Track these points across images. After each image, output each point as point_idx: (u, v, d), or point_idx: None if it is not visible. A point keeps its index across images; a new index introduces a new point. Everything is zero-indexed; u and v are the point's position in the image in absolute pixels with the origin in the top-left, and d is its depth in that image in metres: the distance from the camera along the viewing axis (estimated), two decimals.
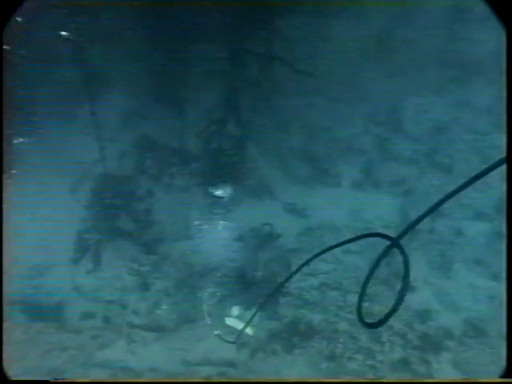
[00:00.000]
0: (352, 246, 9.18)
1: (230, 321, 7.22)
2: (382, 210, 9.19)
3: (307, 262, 3.03)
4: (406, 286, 1.90)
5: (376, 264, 2.11)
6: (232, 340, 6.65)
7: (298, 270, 3.17)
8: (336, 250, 8.83)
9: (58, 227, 8.46)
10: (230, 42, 8.77)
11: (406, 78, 9.63)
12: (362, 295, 2.22)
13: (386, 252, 2.06)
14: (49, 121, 9.86)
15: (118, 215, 9.29)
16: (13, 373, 6.88)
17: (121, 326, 7.80)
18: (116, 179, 9.79)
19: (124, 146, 10.16)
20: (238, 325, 7.06)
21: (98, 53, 9.64)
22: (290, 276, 3.30)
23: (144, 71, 9.83)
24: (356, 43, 9.76)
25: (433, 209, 1.90)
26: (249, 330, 7.01)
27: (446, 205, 6.43)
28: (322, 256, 8.95)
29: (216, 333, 7.10)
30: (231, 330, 7.12)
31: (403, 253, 1.99)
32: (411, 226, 1.96)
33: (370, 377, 7.59)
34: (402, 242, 2.12)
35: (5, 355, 5.81)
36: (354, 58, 9.79)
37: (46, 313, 7.92)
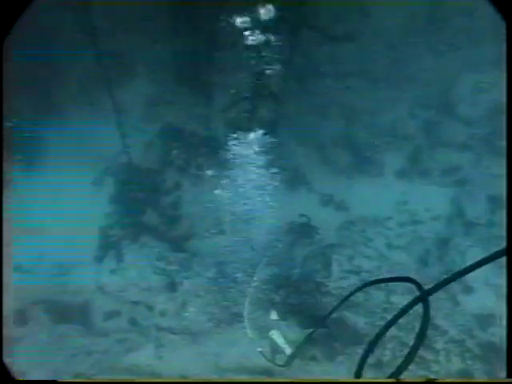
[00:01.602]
0: (397, 240, 8.34)
1: (275, 335, 6.50)
2: (431, 202, 8.25)
3: (349, 297, 2.73)
4: (419, 344, 1.68)
5: (399, 315, 1.85)
6: (281, 363, 6.04)
7: (342, 302, 2.89)
8: (380, 244, 7.87)
9: (81, 223, 8.00)
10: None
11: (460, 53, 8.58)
12: (372, 344, 1.91)
13: (412, 304, 1.81)
14: (71, 111, 9.43)
15: (143, 210, 8.74)
16: (36, 376, 6.51)
17: (148, 329, 7.26)
18: (141, 171, 9.25)
19: (149, 135, 9.58)
20: (282, 342, 6.38)
21: (120, 37, 9.07)
22: (338, 306, 2.99)
23: (167, 55, 9.17)
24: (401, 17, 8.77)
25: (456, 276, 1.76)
26: (287, 348, 6.32)
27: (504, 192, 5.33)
28: (365, 252, 8.04)
29: (259, 350, 6.45)
30: (275, 344, 6.45)
31: (427, 310, 1.74)
32: (444, 283, 1.79)
33: None
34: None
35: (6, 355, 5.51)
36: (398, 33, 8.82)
37: (70, 313, 7.48)
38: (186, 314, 7.52)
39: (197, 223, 8.29)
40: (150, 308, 7.40)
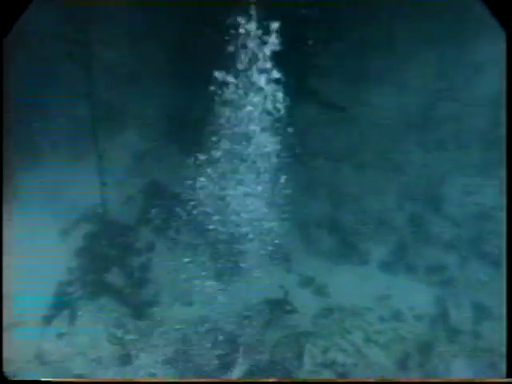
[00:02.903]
0: (376, 336, 7.78)
1: None
2: (415, 299, 7.88)
3: None
4: None
5: None
6: None
7: None
8: (358, 338, 7.30)
9: (38, 275, 7.21)
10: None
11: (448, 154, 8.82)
12: None
13: None
14: (53, 156, 9.04)
15: (109, 268, 8.07)
16: None
17: None
18: (115, 227, 8.72)
19: (130, 190, 9.19)
20: None
21: (114, 87, 9.04)
22: None
23: (162, 111, 9.13)
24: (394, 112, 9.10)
25: None
26: None
27: None
28: (341, 345, 7.42)
29: None
30: None
31: None
32: None
33: None
34: None
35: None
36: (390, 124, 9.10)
37: None
38: None
39: (164, 290, 7.63)
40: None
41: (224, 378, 6.09)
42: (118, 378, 6.24)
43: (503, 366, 6.80)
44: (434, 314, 7.65)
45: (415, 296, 7.92)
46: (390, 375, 7.01)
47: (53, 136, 9.09)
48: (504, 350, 4.71)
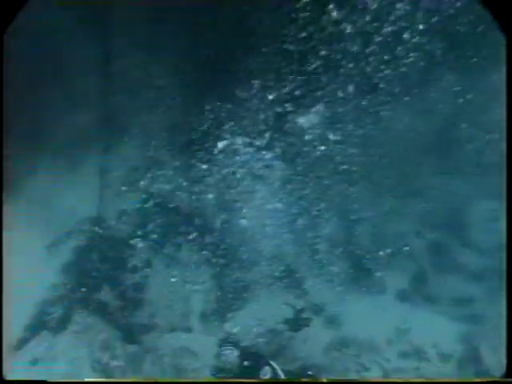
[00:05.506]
0: (396, 374, 6.90)
1: None
2: (439, 334, 7.05)
3: None
4: None
5: None
6: None
7: None
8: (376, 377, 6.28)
9: (19, 294, 6.35)
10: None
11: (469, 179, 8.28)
12: None
13: None
14: (48, 166, 8.46)
15: (99, 286, 7.27)
16: None
17: None
18: (107, 241, 7.99)
19: (126, 204, 8.53)
20: None
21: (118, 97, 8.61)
22: None
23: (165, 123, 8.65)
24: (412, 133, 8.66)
25: None
26: None
27: None
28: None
29: None
30: None
31: None
32: None
33: None
34: None
35: None
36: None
37: None
38: None
39: (160, 312, 6.78)
40: None
41: (224, 378, 5.37)
42: (119, 379, 5.66)
43: None
44: (463, 353, 6.79)
45: (439, 331, 7.09)
46: None
47: (51, 144, 8.57)
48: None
